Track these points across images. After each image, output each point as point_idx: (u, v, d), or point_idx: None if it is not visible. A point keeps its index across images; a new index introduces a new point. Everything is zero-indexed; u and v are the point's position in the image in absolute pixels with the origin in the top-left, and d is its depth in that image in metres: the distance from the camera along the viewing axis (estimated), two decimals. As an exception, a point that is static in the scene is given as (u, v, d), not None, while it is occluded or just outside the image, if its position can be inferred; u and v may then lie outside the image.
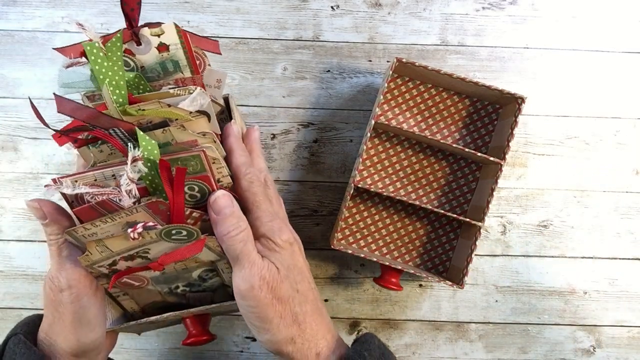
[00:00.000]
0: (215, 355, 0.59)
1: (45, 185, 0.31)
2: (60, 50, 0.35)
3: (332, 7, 0.59)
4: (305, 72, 0.59)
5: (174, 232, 0.32)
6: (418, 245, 0.58)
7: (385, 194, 0.54)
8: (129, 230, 0.31)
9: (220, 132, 0.39)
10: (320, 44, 0.59)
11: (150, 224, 0.32)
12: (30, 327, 0.37)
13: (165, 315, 0.39)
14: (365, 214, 0.58)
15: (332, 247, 0.52)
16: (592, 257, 0.59)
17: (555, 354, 0.59)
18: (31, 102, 0.31)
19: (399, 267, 0.52)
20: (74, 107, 0.30)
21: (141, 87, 0.35)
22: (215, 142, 0.35)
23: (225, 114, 0.43)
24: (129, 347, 0.58)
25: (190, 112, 0.33)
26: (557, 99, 0.60)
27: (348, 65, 0.59)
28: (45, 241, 0.58)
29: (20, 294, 0.58)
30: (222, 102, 0.42)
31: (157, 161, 0.31)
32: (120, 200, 0.31)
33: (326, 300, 0.59)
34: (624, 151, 0.59)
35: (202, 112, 0.35)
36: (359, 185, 0.53)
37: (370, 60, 0.59)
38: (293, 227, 0.39)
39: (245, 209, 0.36)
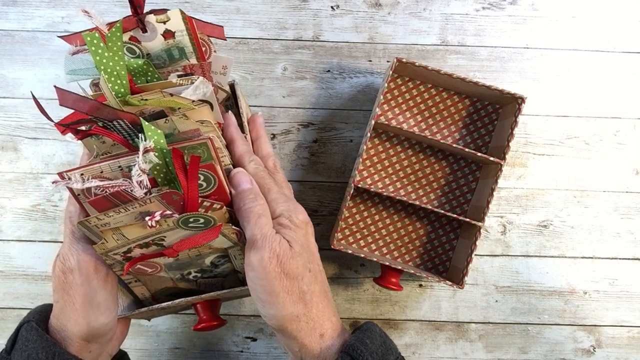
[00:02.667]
0: (215, 355, 0.59)
1: (53, 182, 0.31)
2: (66, 38, 0.35)
3: (332, 7, 0.59)
4: (305, 72, 0.59)
5: (191, 219, 0.33)
6: (418, 245, 0.58)
7: (385, 194, 0.54)
8: (147, 218, 0.32)
9: (222, 121, 0.39)
10: (320, 44, 0.59)
11: (168, 212, 0.32)
12: (42, 315, 0.38)
13: (177, 301, 0.39)
14: (365, 214, 0.58)
15: (332, 247, 0.52)
16: (592, 257, 0.59)
17: (555, 354, 0.59)
18: (34, 97, 0.31)
19: (399, 267, 0.52)
20: (76, 100, 0.30)
21: (149, 74, 0.36)
22: (215, 130, 0.35)
23: (231, 101, 0.44)
24: (129, 347, 0.58)
25: (193, 101, 0.34)
26: (557, 99, 0.60)
27: (348, 65, 0.59)
28: (45, 241, 0.58)
29: (20, 294, 0.58)
30: (227, 88, 0.43)
31: (165, 150, 0.32)
32: (131, 191, 0.31)
33: (326, 300, 0.59)
34: (624, 151, 0.59)
35: (205, 101, 0.35)
36: (359, 185, 0.53)
37: (370, 60, 0.59)
38: None
39: None
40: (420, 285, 0.59)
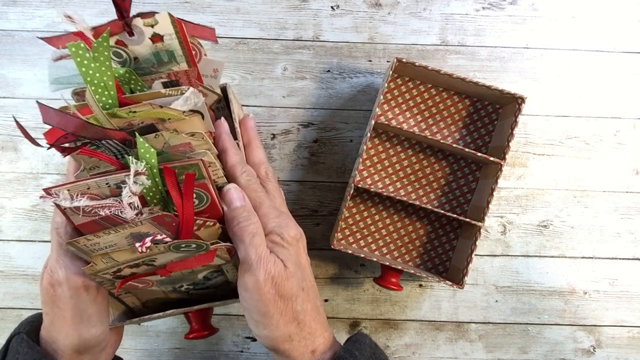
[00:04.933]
0: (215, 355, 0.59)
1: (41, 197, 0.30)
2: (47, 40, 0.32)
3: (332, 7, 0.59)
4: (305, 72, 0.59)
5: (183, 245, 0.32)
6: (418, 245, 0.58)
7: (385, 194, 0.54)
8: (137, 245, 0.31)
9: (213, 130, 0.38)
10: (320, 44, 0.59)
11: (159, 237, 0.31)
12: (33, 326, 0.37)
13: (168, 312, 0.39)
14: (365, 214, 0.58)
15: (332, 247, 0.52)
16: (592, 257, 0.59)
17: (555, 354, 0.59)
18: (17, 122, 0.30)
19: (399, 267, 0.52)
20: (60, 118, 0.28)
21: (132, 82, 0.34)
22: (207, 143, 0.34)
23: (222, 104, 0.43)
24: (129, 347, 0.58)
25: (184, 112, 0.32)
26: (557, 99, 0.60)
27: (348, 65, 0.59)
28: (45, 241, 0.58)
29: (20, 294, 0.58)
30: (219, 91, 0.41)
31: (156, 169, 0.30)
32: (121, 212, 0.30)
33: (326, 300, 0.59)
34: (624, 151, 0.59)
35: (196, 111, 0.34)
36: (359, 185, 0.53)
37: (370, 60, 0.59)
38: None
39: None
40: (420, 285, 0.59)
